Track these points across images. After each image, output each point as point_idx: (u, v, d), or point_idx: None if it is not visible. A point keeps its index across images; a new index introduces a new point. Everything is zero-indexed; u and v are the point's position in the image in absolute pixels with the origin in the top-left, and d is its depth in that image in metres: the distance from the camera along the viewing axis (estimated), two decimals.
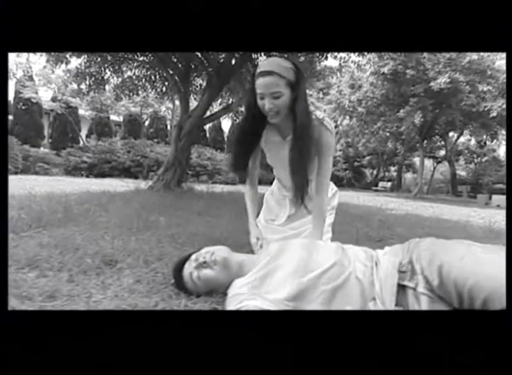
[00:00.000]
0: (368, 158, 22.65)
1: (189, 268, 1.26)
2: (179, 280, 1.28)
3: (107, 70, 6.71)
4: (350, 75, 14.18)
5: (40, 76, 17.11)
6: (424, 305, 0.99)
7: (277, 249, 1.22)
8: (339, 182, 21.00)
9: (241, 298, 1.07)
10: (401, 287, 1.05)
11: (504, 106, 11.37)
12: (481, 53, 12.05)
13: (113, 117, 21.41)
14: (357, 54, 6.27)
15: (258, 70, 1.32)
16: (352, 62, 6.79)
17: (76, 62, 6.39)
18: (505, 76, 11.64)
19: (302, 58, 6.54)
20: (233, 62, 5.96)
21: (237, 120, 15.61)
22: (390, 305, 1.03)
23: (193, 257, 1.29)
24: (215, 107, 9.03)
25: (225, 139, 22.97)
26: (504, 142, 19.69)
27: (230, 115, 10.21)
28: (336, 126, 17.85)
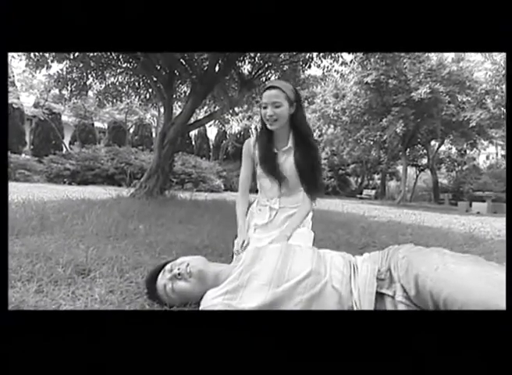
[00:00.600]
0: (352, 166, 22.88)
1: (163, 279, 1.22)
2: (152, 291, 1.24)
3: (89, 76, 6.61)
4: (334, 84, 14.36)
5: (23, 81, 16.78)
6: None
7: (251, 256, 1.19)
8: (324, 190, 21.11)
9: (214, 309, 1.05)
10: (379, 295, 1.04)
11: (483, 116, 11.70)
12: (460, 64, 12.41)
13: (97, 124, 21.12)
14: (340, 63, 6.36)
15: (265, 87, 1.65)
16: (335, 71, 6.88)
17: (57, 66, 6.29)
18: (482, 87, 12.06)
19: (286, 67, 6.60)
20: (217, 69, 5.96)
21: (223, 128, 15.62)
22: None
23: (167, 267, 1.24)
24: (200, 114, 9.00)
25: (211, 147, 22.92)
26: (483, 151, 20.24)
27: (216, 122, 10.19)
28: (320, 135, 18.04)
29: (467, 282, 0.89)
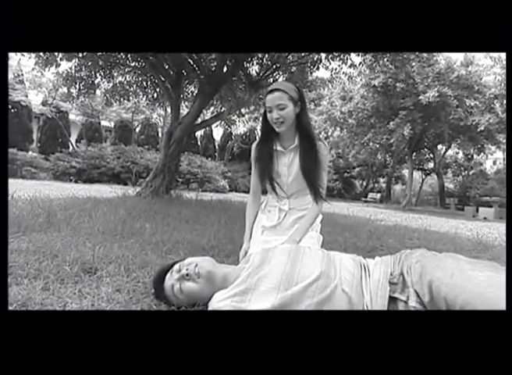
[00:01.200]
0: (357, 169, 22.82)
1: (171, 279, 1.20)
2: (159, 291, 1.22)
3: (97, 75, 6.63)
4: (341, 87, 14.31)
5: (31, 79, 16.93)
6: None
7: (260, 258, 1.17)
8: (329, 192, 21.09)
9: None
10: (391, 299, 1.02)
11: (491, 121, 11.61)
12: (469, 68, 12.31)
13: (104, 123, 21.25)
14: (348, 65, 6.33)
15: (267, 91, 1.62)
16: (343, 73, 6.84)
17: (66, 65, 6.33)
18: (491, 91, 11.96)
19: (294, 68, 6.58)
20: (225, 69, 5.95)
21: (229, 129, 15.65)
22: None
23: (175, 267, 1.22)
24: (207, 115, 9.01)
25: (216, 147, 22.96)
26: (490, 156, 20.06)
27: (222, 123, 10.21)
28: (326, 138, 17.99)
29: (484, 289, 0.87)
